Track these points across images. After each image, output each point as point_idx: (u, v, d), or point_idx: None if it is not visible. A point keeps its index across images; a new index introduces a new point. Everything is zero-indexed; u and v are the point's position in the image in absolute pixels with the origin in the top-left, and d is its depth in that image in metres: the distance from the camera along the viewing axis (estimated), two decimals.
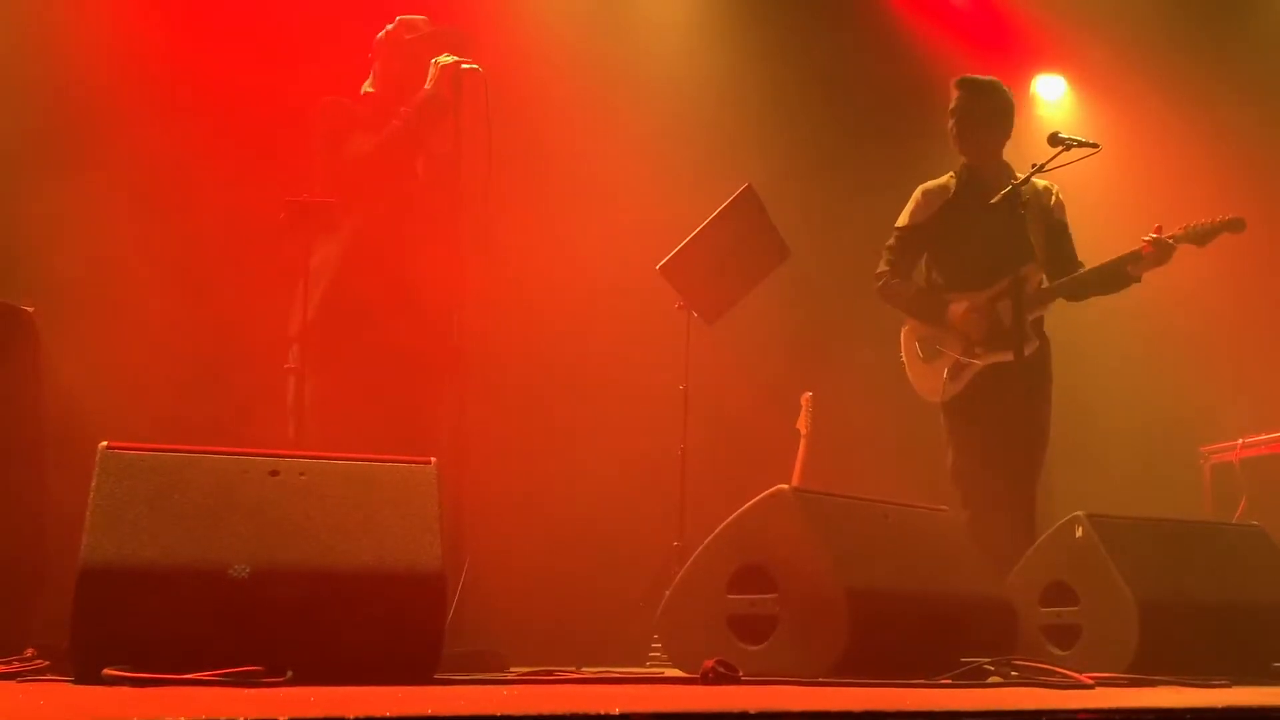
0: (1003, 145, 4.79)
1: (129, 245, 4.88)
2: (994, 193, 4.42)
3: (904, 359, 4.87)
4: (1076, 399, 4.85)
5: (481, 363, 4.08)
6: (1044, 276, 4.69)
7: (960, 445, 4.70)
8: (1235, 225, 4.32)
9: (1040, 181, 4.63)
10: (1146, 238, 4.41)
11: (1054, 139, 4.28)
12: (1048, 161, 4.30)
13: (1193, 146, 6.55)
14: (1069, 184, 4.73)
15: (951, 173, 4.85)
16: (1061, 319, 4.94)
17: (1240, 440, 5.57)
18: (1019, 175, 4.42)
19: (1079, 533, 3.56)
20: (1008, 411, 4.46)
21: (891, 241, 4.86)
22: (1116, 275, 4.53)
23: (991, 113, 4.75)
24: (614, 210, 5.82)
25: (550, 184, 5.73)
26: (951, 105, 4.78)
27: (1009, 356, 4.42)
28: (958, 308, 4.66)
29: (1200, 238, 4.36)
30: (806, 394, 5.41)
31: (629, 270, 5.42)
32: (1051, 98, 7.29)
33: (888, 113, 6.62)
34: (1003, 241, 4.51)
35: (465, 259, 4.08)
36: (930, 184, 4.85)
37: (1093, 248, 4.87)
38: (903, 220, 4.85)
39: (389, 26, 4.38)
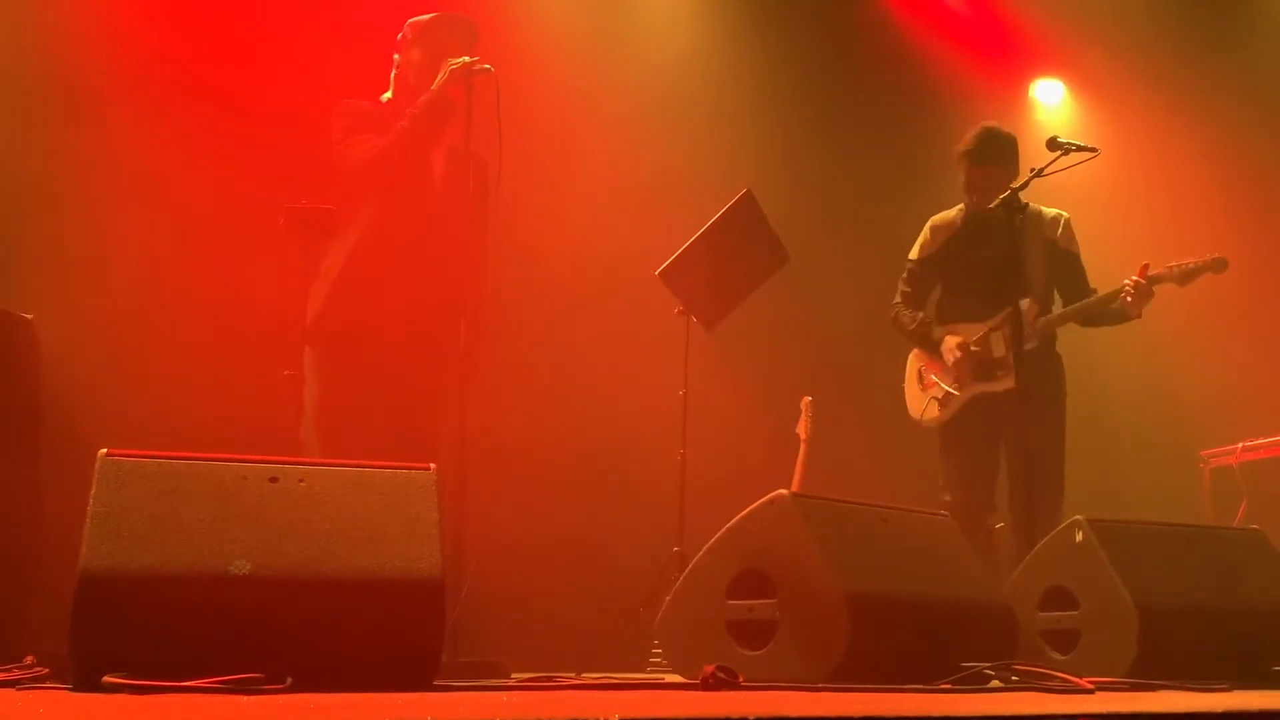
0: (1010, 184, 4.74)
1: (129, 252, 4.88)
2: (999, 226, 4.45)
3: (905, 383, 5.06)
4: (1076, 403, 4.85)
5: (480, 367, 4.08)
6: (1039, 308, 4.73)
7: (948, 467, 4.85)
8: (1218, 265, 4.43)
9: (1050, 211, 4.81)
10: (1129, 280, 4.50)
11: (1052, 143, 4.33)
12: (1046, 166, 4.34)
13: (1191, 151, 6.55)
14: (1066, 188, 4.74)
15: (960, 205, 4.96)
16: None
17: (1240, 444, 5.57)
18: (1021, 198, 4.34)
19: (1078, 537, 3.56)
20: (1001, 436, 4.70)
21: (904, 274, 5.05)
22: (1116, 313, 4.62)
23: (1004, 174, 4.69)
24: (612, 215, 5.82)
25: (549, 189, 5.72)
26: (964, 178, 4.81)
27: (995, 387, 4.69)
28: (950, 342, 4.82)
29: (1183, 278, 4.47)
30: (806, 398, 5.41)
31: (628, 275, 5.42)
32: (1050, 102, 7.30)
33: (887, 118, 6.62)
34: (1002, 275, 4.53)
35: (475, 262, 4.07)
36: (938, 218, 5.01)
37: (1090, 250, 4.87)
38: (914, 254, 5.04)
39: (401, 33, 4.38)
